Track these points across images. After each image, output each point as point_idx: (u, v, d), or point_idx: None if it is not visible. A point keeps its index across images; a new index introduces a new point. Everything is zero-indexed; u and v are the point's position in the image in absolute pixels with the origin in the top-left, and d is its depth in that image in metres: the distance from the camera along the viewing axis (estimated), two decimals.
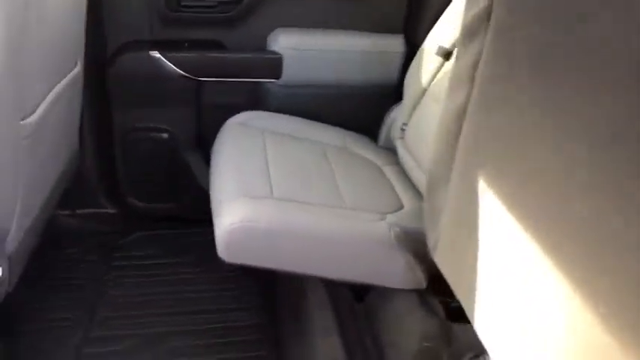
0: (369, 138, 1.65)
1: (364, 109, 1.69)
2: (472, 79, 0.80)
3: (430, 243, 0.99)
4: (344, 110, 1.67)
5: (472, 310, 0.83)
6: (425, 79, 1.50)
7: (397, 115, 1.59)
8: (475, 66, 0.79)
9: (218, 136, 1.47)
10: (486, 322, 0.78)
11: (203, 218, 1.77)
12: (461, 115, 0.84)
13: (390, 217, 1.22)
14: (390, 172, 1.48)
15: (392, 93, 1.68)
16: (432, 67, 1.47)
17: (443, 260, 0.94)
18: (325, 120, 1.64)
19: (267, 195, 1.15)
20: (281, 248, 1.07)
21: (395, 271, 1.15)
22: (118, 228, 1.70)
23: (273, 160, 1.30)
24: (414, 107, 1.51)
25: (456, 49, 1.31)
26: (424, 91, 1.49)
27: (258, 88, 1.62)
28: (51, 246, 1.57)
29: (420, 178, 1.36)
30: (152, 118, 1.61)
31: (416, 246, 1.19)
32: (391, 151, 1.60)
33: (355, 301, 1.39)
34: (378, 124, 1.67)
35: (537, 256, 0.63)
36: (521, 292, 0.68)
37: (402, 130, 1.53)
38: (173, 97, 1.58)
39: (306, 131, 1.53)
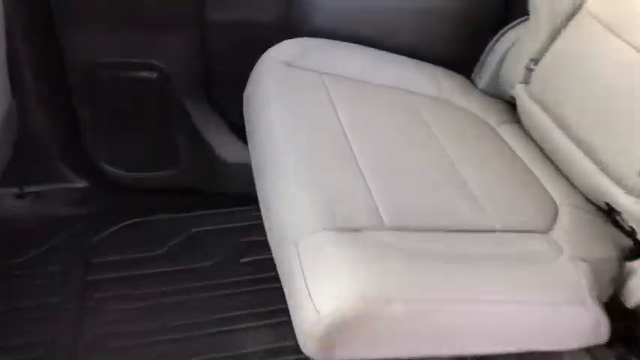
0: (463, 77, 1.10)
1: (453, 31, 1.11)
2: None
3: None
4: (422, 33, 1.10)
5: None
6: None
7: (514, 43, 1.04)
8: None
9: (251, 83, 0.91)
10: None
11: (211, 191, 1.27)
12: None
13: (559, 238, 0.73)
14: (511, 137, 0.96)
15: (499, 6, 1.10)
16: None
17: None
18: (394, 49, 1.07)
19: (378, 224, 0.62)
20: (417, 332, 0.57)
21: (581, 328, 0.68)
22: (92, 211, 1.17)
23: (357, 136, 0.76)
24: (555, 34, 0.96)
25: None
26: (578, 6, 0.93)
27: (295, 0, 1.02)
28: None
29: (569, 149, 0.86)
30: (130, 49, 1.01)
31: (598, 281, 0.72)
32: (500, 98, 1.07)
33: None
34: (474, 55, 1.11)
35: None
36: None
37: (529, 70, 0.98)
38: (162, 14, 0.97)
39: (383, 71, 0.97)
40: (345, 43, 1.00)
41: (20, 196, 1.15)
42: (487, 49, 1.09)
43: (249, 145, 0.87)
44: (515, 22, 1.06)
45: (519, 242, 0.69)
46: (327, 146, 0.73)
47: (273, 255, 0.66)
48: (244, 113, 0.93)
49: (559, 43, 0.94)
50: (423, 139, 0.83)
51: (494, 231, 0.69)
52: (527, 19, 1.04)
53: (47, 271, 1.03)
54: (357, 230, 0.61)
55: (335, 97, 0.84)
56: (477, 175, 0.79)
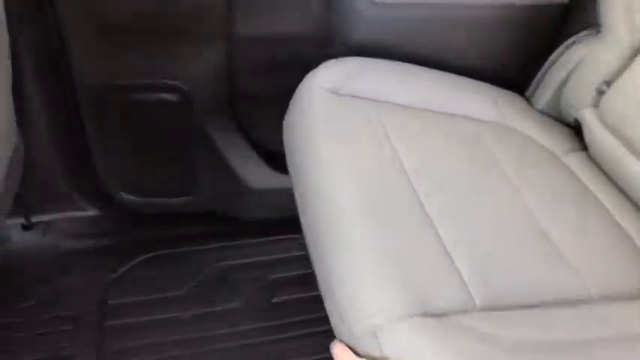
0: (520, 97, 0.98)
1: (508, 43, 1.00)
2: None
3: None
4: (474, 45, 0.98)
5: None
6: None
7: (581, 61, 0.92)
8: None
9: (293, 111, 0.80)
10: None
11: (236, 217, 1.16)
12: None
13: None
14: (579, 168, 0.85)
15: (556, 17, 0.98)
16: None
17: None
18: (445, 62, 0.95)
19: (468, 306, 0.52)
20: None
21: None
22: (105, 243, 1.06)
23: (425, 184, 0.65)
24: (635, 52, 0.84)
25: None
26: None
27: (337, 9, 0.90)
28: None
29: None
30: (149, 68, 0.89)
31: None
32: (560, 121, 0.95)
33: None
34: (528, 70, 1.00)
35: None
36: None
37: (600, 92, 0.87)
38: (185, 31, 0.86)
39: (440, 95, 0.85)
40: (393, 62, 0.88)
41: (27, 228, 1.05)
42: (546, 65, 0.97)
43: (293, 181, 0.76)
44: (580, 35, 0.94)
45: (621, 315, 0.58)
46: (395, 202, 0.62)
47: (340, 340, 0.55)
48: (285, 142, 0.82)
49: (637, 66, 0.82)
50: (494, 180, 0.72)
51: (591, 301, 0.59)
52: (593, 34, 0.93)
53: (58, 316, 0.93)
54: (445, 315, 0.50)
55: (392, 131, 0.73)
56: (558, 224, 0.68)
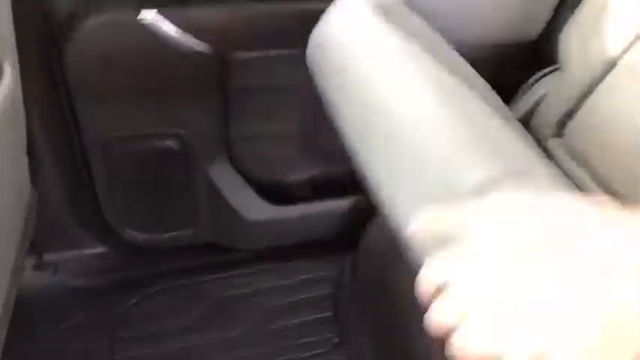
0: None
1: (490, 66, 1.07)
2: None
3: None
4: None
5: None
6: (615, 43, 0.89)
7: (546, 95, 1.00)
8: None
9: (329, 24, 0.79)
10: None
11: (232, 247, 1.23)
12: None
13: None
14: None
15: (528, 53, 1.07)
16: (629, 24, 0.87)
17: None
18: None
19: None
20: None
21: None
22: (114, 279, 1.13)
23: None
24: (590, 89, 0.92)
25: None
26: (612, 63, 0.89)
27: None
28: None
29: None
30: (149, 120, 0.97)
31: None
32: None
33: None
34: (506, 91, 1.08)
35: None
36: None
37: (563, 124, 0.95)
38: (184, 84, 0.94)
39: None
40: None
41: (39, 267, 1.11)
42: (515, 98, 1.06)
43: (336, 105, 0.75)
44: (546, 70, 1.02)
45: None
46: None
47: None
48: (318, 63, 0.80)
49: (594, 100, 0.90)
50: None
51: None
52: (558, 68, 1.01)
53: (71, 350, 0.99)
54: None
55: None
56: None
